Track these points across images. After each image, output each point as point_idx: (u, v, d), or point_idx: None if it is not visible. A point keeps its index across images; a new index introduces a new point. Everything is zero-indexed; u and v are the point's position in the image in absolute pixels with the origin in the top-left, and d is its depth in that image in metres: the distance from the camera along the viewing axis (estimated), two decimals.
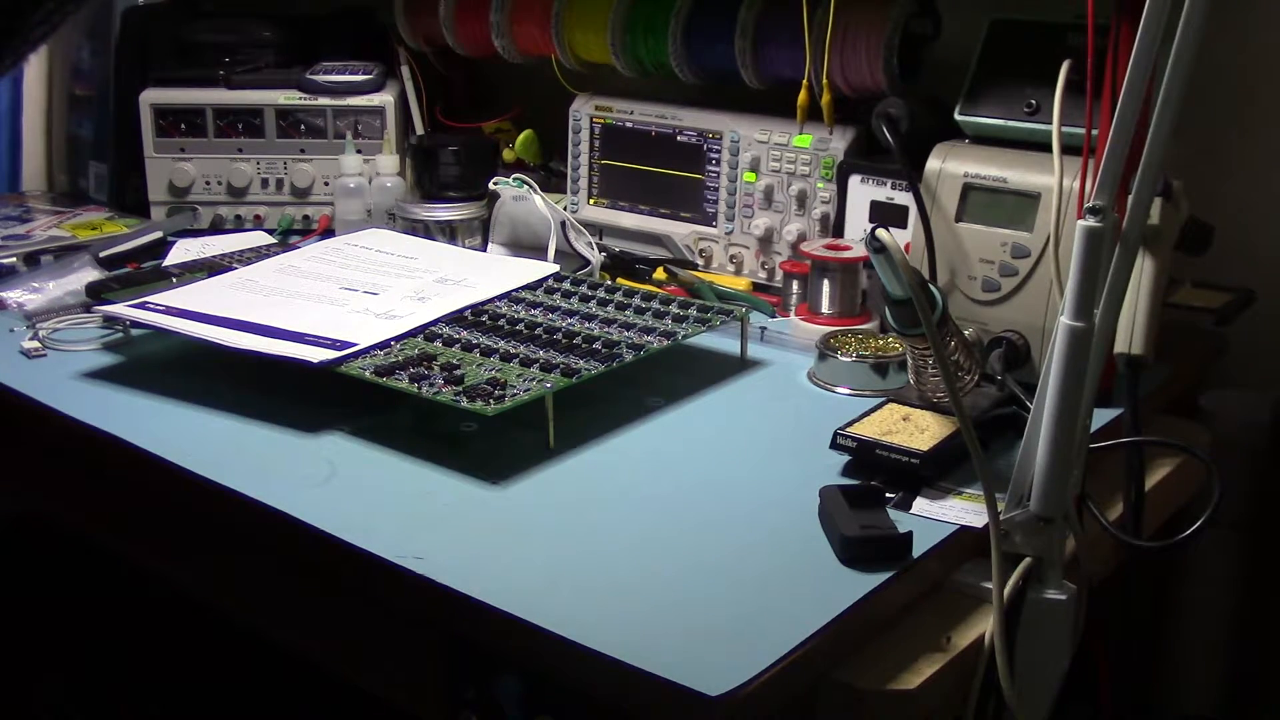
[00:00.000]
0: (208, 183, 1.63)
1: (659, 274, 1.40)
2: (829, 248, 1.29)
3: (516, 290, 1.28)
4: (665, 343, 1.16)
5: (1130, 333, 1.00)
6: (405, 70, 1.68)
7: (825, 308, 1.29)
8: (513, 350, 1.12)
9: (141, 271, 1.44)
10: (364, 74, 1.64)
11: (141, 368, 1.21)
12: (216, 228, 1.64)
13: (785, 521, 0.94)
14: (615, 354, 1.11)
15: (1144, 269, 1.01)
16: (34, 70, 1.81)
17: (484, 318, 1.21)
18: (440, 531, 0.92)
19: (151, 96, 1.62)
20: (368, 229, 1.47)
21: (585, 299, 1.26)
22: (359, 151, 1.60)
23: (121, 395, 1.15)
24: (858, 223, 1.31)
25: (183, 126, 1.62)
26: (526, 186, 1.45)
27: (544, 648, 0.80)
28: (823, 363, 1.19)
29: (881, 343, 1.19)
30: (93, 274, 1.39)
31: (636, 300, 1.25)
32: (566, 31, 1.50)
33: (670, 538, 0.92)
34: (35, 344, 1.25)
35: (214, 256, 1.42)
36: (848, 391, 1.16)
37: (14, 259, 1.47)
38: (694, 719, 0.75)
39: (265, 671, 1.66)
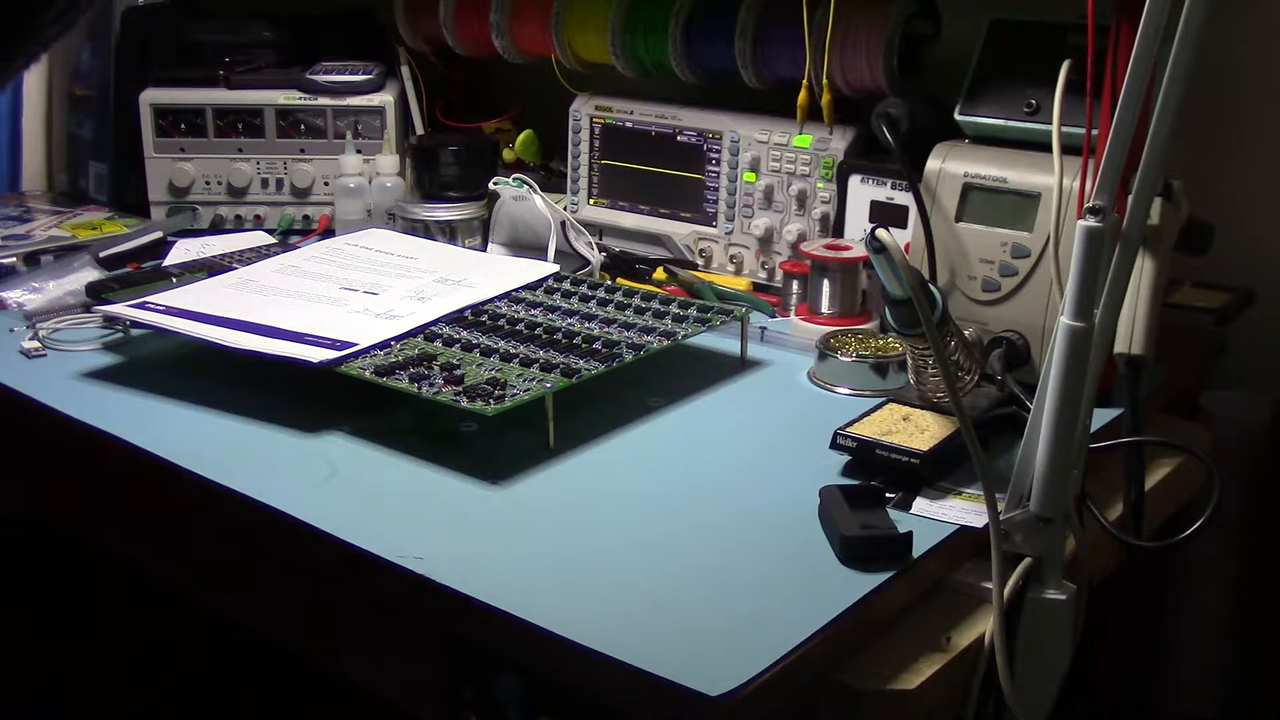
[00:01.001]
0: (208, 183, 1.63)
1: (659, 274, 1.40)
2: (829, 248, 1.29)
3: (516, 290, 1.28)
4: (665, 343, 1.16)
5: (1130, 333, 1.00)
6: (405, 70, 1.68)
7: (825, 308, 1.29)
8: (513, 350, 1.12)
9: (141, 271, 1.44)
10: (364, 74, 1.64)
11: (141, 368, 1.21)
12: (216, 228, 1.64)
13: (785, 521, 0.94)
14: (615, 354, 1.11)
15: (1144, 269, 1.01)
16: (34, 70, 1.81)
17: (484, 318, 1.21)
18: (440, 531, 0.92)
19: (151, 96, 1.62)
20: (368, 229, 1.47)
21: (585, 299, 1.26)
22: (359, 151, 1.60)
23: (121, 395, 1.15)
24: (858, 223, 1.31)
25: (183, 126, 1.62)
26: (526, 186, 1.45)
27: (544, 648, 0.80)
28: (823, 363, 1.19)
29: (881, 343, 1.19)
30: (93, 274, 1.39)
31: (636, 300, 1.25)
32: (566, 31, 1.50)
33: (670, 537, 0.92)
34: (35, 344, 1.25)
35: (214, 256, 1.42)
36: (848, 391, 1.16)
37: (14, 259, 1.47)
38: (694, 719, 0.75)
39: (265, 671, 1.67)
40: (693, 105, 1.44)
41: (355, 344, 1.12)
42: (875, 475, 0.99)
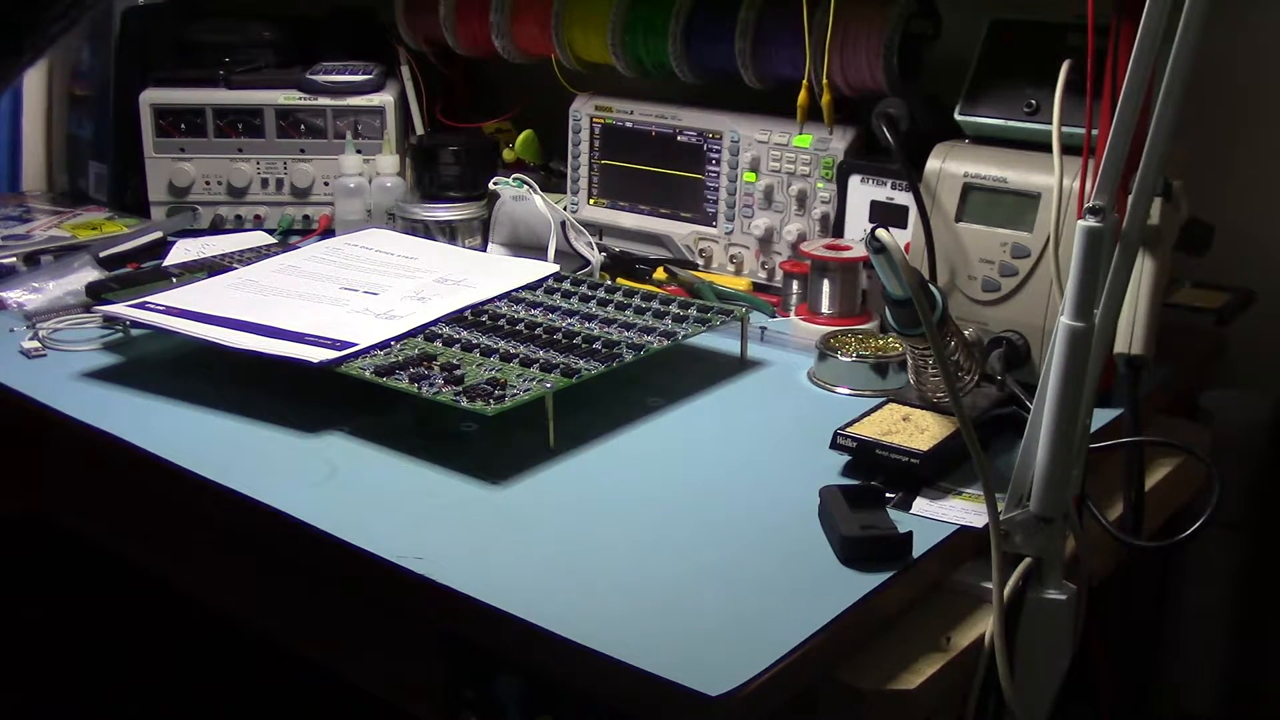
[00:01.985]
0: (208, 183, 1.63)
1: (659, 274, 1.40)
2: (829, 248, 1.29)
3: (516, 290, 1.28)
4: (665, 343, 1.16)
5: (1130, 333, 1.00)
6: (405, 70, 1.68)
7: (825, 308, 1.29)
8: (513, 350, 1.12)
9: (141, 271, 1.44)
10: (364, 74, 1.64)
11: (141, 368, 1.21)
12: (216, 228, 1.64)
13: (785, 521, 0.94)
14: (615, 354, 1.11)
15: (1144, 269, 1.01)
16: (34, 70, 1.81)
17: (484, 318, 1.21)
18: (440, 531, 0.92)
19: (151, 96, 1.62)
20: (368, 229, 1.47)
21: (585, 299, 1.26)
22: (359, 151, 1.60)
23: (121, 395, 1.15)
24: (858, 223, 1.31)
25: (183, 126, 1.62)
26: (526, 186, 1.45)
27: (544, 648, 0.80)
28: (823, 363, 1.19)
29: (881, 343, 1.19)
30: (93, 274, 1.39)
31: (636, 300, 1.25)
32: (566, 31, 1.50)
33: (670, 537, 0.92)
34: (35, 344, 1.25)
35: (214, 256, 1.42)
36: (848, 391, 1.16)
37: (14, 259, 1.47)
38: (694, 719, 0.75)
39: (265, 671, 1.67)
40: (693, 105, 1.44)
41: (355, 344, 1.12)
42: (875, 475, 0.99)
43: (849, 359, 1.17)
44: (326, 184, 1.62)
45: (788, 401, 1.16)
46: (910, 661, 0.85)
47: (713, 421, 1.11)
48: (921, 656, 0.86)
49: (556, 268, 1.34)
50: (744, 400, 1.16)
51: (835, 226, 1.34)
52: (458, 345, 1.15)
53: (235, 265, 1.37)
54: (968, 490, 0.98)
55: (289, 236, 1.61)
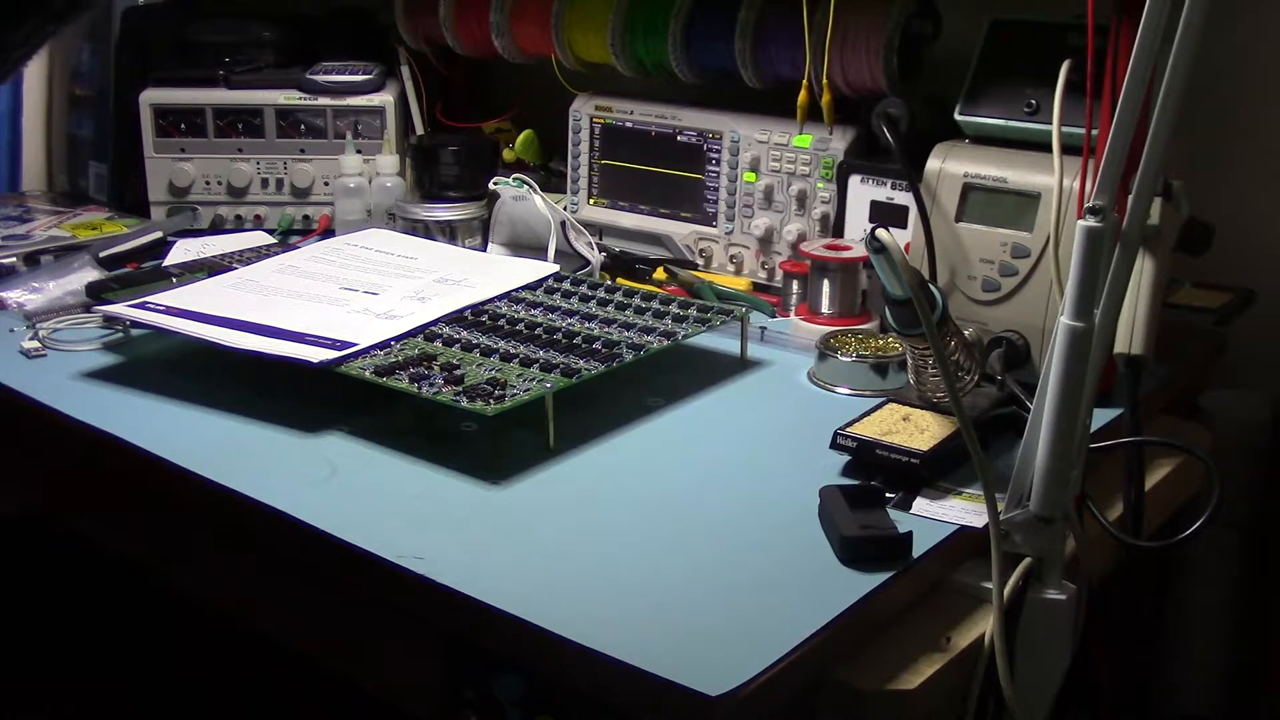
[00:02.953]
0: (208, 183, 1.63)
1: (659, 274, 1.40)
2: (829, 248, 1.29)
3: (516, 290, 1.28)
4: (665, 343, 1.16)
5: (1130, 333, 1.00)
6: (405, 70, 1.68)
7: (825, 308, 1.29)
8: (513, 350, 1.12)
9: (141, 271, 1.44)
10: (364, 74, 1.64)
11: (141, 368, 1.21)
12: (216, 228, 1.64)
13: (785, 521, 0.94)
14: (615, 354, 1.11)
15: (1144, 269, 1.01)
16: (34, 70, 1.81)
17: (484, 318, 1.21)
18: (440, 531, 0.92)
19: (151, 96, 1.62)
20: (368, 229, 1.47)
21: (585, 299, 1.26)
22: (359, 151, 1.60)
23: (121, 395, 1.15)
24: (858, 223, 1.31)
25: (183, 126, 1.62)
26: (526, 186, 1.45)
27: (544, 648, 0.80)
28: (823, 363, 1.19)
29: (881, 343, 1.19)
30: (93, 274, 1.39)
31: (636, 300, 1.25)
32: (566, 31, 1.50)
33: (670, 537, 0.92)
34: (35, 344, 1.25)
35: (214, 256, 1.42)
36: (848, 391, 1.16)
37: (14, 259, 1.47)
38: (694, 719, 0.75)
39: (265, 671, 1.67)
40: (693, 105, 1.44)
41: (355, 344, 1.12)
42: (875, 475, 0.99)
43: (849, 359, 1.17)
44: (326, 184, 1.63)
45: (788, 401, 1.16)
46: (910, 661, 0.85)
47: (713, 421, 1.11)
48: (921, 656, 0.86)
49: (556, 268, 1.34)
50: (744, 400, 1.16)
51: (835, 226, 1.34)
52: (458, 345, 1.15)
53: (235, 265, 1.37)
54: (968, 490, 0.98)
55: (289, 236, 1.61)
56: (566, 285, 1.30)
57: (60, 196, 1.79)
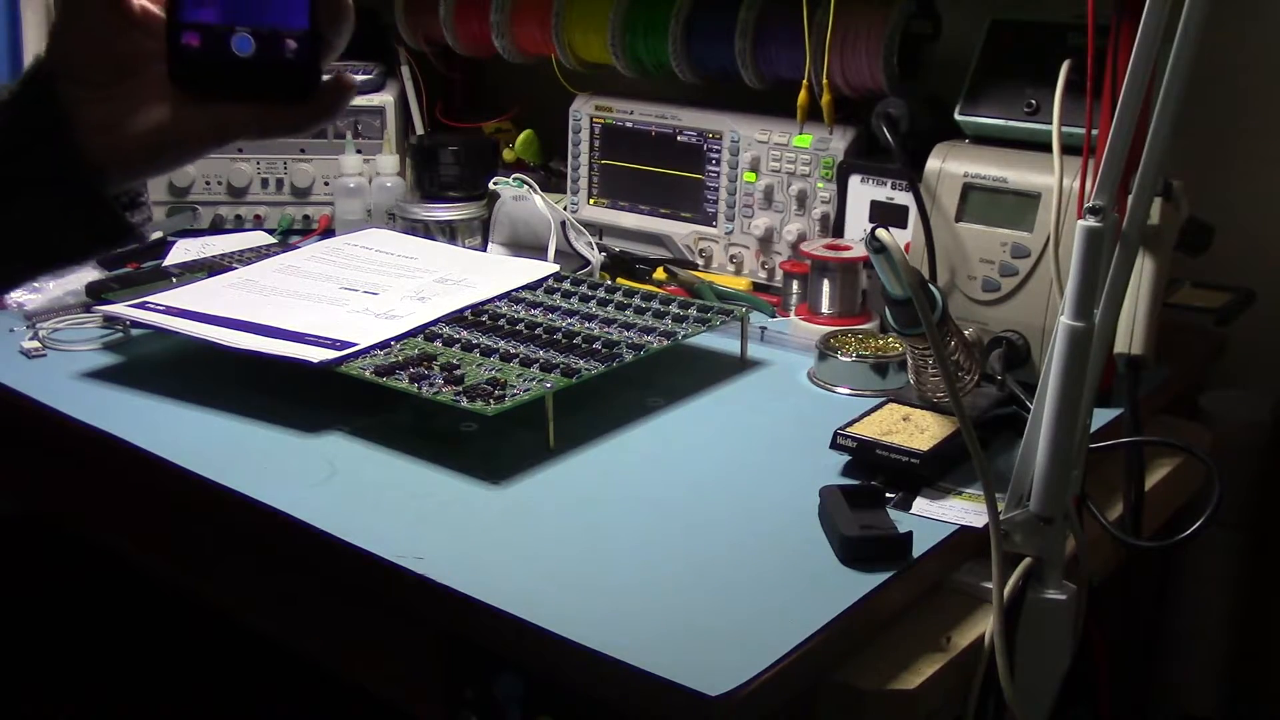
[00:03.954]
0: (208, 183, 1.63)
1: (659, 274, 1.40)
2: (829, 248, 1.29)
3: (516, 290, 1.28)
4: (665, 343, 1.16)
5: (1130, 333, 1.00)
6: (405, 70, 1.68)
7: (825, 308, 1.29)
8: (513, 350, 1.12)
9: (141, 271, 1.44)
10: (364, 74, 1.64)
11: (141, 368, 1.21)
12: (216, 228, 1.64)
13: (785, 521, 0.94)
14: (615, 354, 1.11)
15: (1144, 269, 1.01)
16: None
17: (484, 318, 1.21)
18: (440, 531, 0.92)
19: None
20: (368, 229, 1.47)
21: (585, 299, 1.26)
22: (359, 151, 1.60)
23: (121, 395, 1.15)
24: (858, 223, 1.31)
25: None
26: (526, 186, 1.45)
27: (544, 648, 0.80)
28: (823, 363, 1.19)
29: (881, 343, 1.19)
30: (93, 274, 1.39)
31: (636, 300, 1.25)
32: (566, 31, 1.50)
33: (670, 537, 0.92)
34: (35, 344, 1.24)
35: (214, 256, 1.42)
36: (848, 391, 1.16)
37: None
38: (694, 719, 0.75)
39: (265, 671, 1.67)
40: (693, 105, 1.44)
41: (355, 344, 1.12)
42: (875, 475, 0.99)
43: (849, 359, 1.17)
44: (326, 184, 1.62)
45: (788, 401, 1.16)
46: (910, 661, 0.85)
47: (713, 421, 1.11)
48: (921, 656, 0.86)
49: (556, 268, 1.34)
50: (744, 400, 1.16)
51: (835, 226, 1.34)
52: (458, 345, 1.15)
53: (235, 265, 1.37)
54: (968, 490, 0.98)
55: (289, 236, 1.61)
56: (566, 285, 1.30)
57: None
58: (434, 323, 1.19)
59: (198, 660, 1.76)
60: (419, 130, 1.68)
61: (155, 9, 0.65)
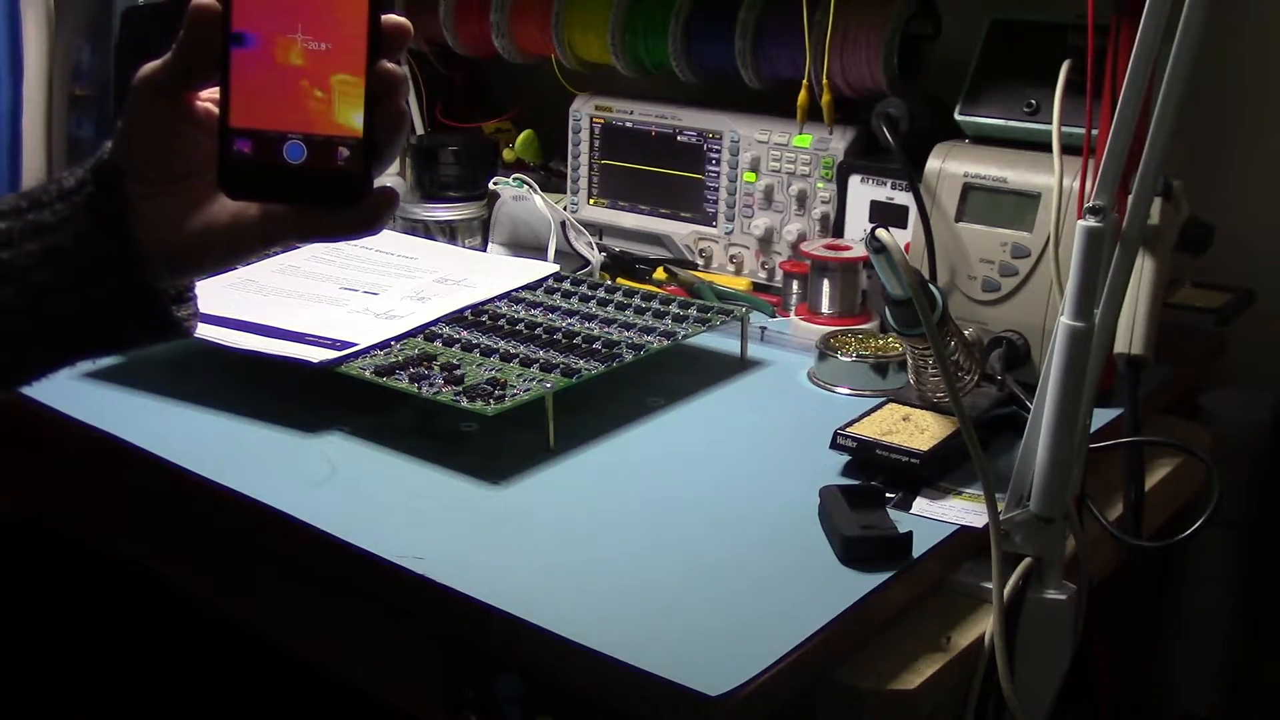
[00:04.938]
0: None
1: (659, 274, 1.40)
2: (829, 248, 1.29)
3: (516, 290, 1.28)
4: (665, 343, 1.16)
5: (1130, 333, 1.00)
6: (405, 70, 1.68)
7: (825, 308, 1.29)
8: (513, 350, 1.12)
9: None
10: None
11: (141, 368, 1.21)
12: None
13: (785, 521, 0.94)
14: (615, 354, 1.11)
15: (1144, 269, 1.01)
16: (34, 70, 1.81)
17: (484, 318, 1.21)
18: (440, 531, 0.92)
19: None
20: None
21: (585, 299, 1.26)
22: None
23: (121, 395, 1.15)
24: (858, 223, 1.31)
25: None
26: (526, 186, 1.45)
27: (544, 648, 0.80)
28: (823, 363, 1.19)
29: (881, 343, 1.19)
30: None
31: (636, 300, 1.25)
32: (566, 31, 1.50)
33: (670, 537, 0.92)
34: None
35: None
36: (848, 391, 1.16)
37: None
38: (694, 719, 0.75)
39: (265, 671, 1.66)
40: (693, 105, 1.44)
41: (355, 344, 1.12)
42: (875, 475, 0.99)
43: (849, 359, 1.17)
44: None
45: (788, 401, 1.16)
46: (910, 661, 0.85)
47: (713, 421, 1.11)
48: (921, 656, 0.86)
49: (556, 268, 1.34)
50: (744, 400, 1.16)
51: (835, 226, 1.34)
52: (458, 345, 1.15)
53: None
54: (968, 490, 0.98)
55: None
56: (566, 285, 1.30)
57: None
58: (434, 323, 1.19)
59: (198, 660, 1.76)
60: (419, 130, 1.67)
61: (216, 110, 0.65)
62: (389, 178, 1.59)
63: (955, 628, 0.89)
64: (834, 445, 1.01)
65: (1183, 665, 1.34)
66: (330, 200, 0.64)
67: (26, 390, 1.13)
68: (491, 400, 1.02)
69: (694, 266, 1.44)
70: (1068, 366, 0.83)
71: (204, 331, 1.15)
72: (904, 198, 1.27)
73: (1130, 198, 0.84)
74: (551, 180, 1.61)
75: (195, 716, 1.71)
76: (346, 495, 0.98)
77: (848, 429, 1.01)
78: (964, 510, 0.95)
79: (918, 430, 1.01)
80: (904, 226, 1.25)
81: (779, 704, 0.78)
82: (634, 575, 0.87)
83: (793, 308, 1.32)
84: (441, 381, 1.06)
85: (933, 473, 0.98)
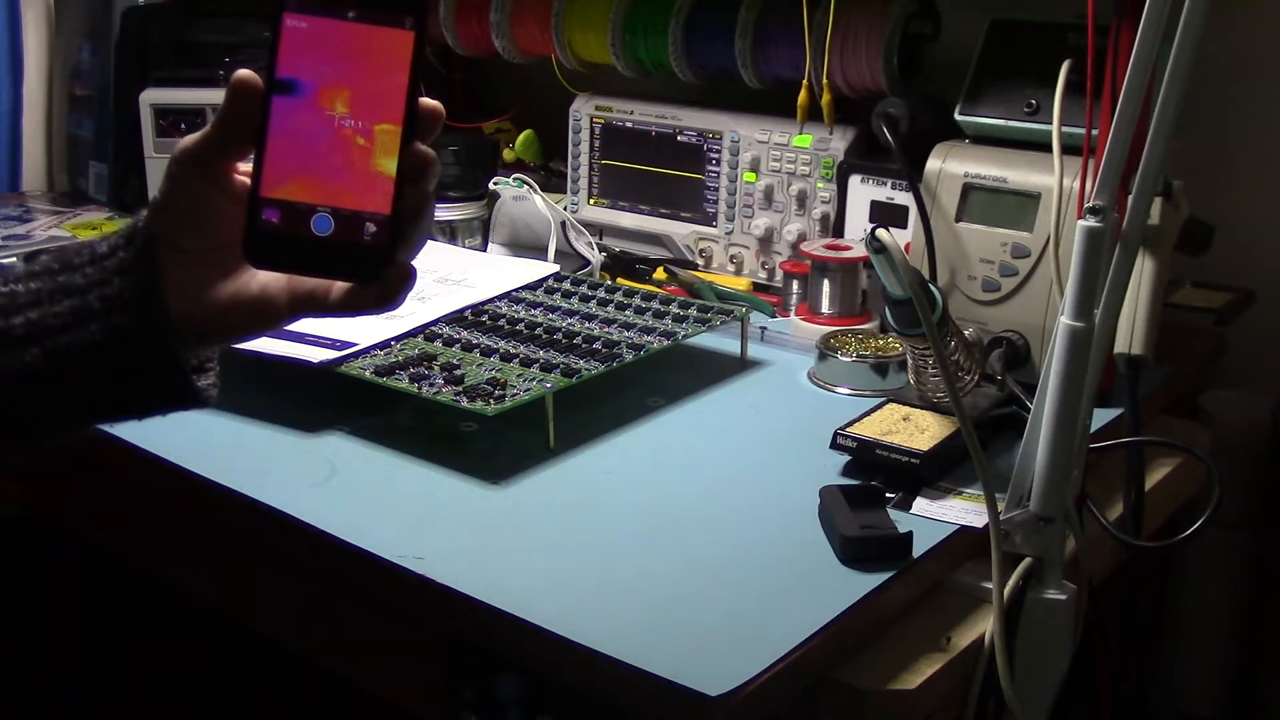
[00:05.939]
0: None
1: (659, 274, 1.40)
2: (829, 248, 1.29)
3: (516, 290, 1.28)
4: (665, 343, 1.16)
5: (1130, 333, 1.00)
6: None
7: (825, 308, 1.29)
8: (513, 350, 1.12)
9: None
10: None
11: None
12: None
13: (785, 521, 0.94)
14: (615, 354, 1.11)
15: (1144, 269, 1.01)
16: (34, 70, 1.81)
17: (484, 318, 1.21)
18: (440, 531, 0.92)
19: (151, 96, 1.61)
20: None
21: (585, 299, 1.26)
22: None
23: None
24: (858, 223, 1.31)
25: (183, 126, 1.62)
26: (526, 186, 1.45)
27: (544, 648, 0.80)
28: (823, 363, 1.19)
29: (881, 343, 1.19)
30: None
31: (636, 300, 1.25)
32: (566, 31, 1.50)
33: (670, 537, 0.92)
34: None
35: None
36: (848, 391, 1.16)
37: (14, 259, 1.47)
38: (694, 719, 0.75)
39: (265, 671, 1.66)
40: (693, 105, 1.44)
41: (355, 344, 1.12)
42: (875, 475, 0.99)
43: (849, 359, 1.17)
44: None
45: (788, 401, 1.16)
46: (910, 661, 0.85)
47: (713, 421, 1.11)
48: (921, 656, 0.86)
49: (556, 268, 1.34)
50: (744, 400, 1.16)
51: (835, 226, 1.34)
52: (458, 345, 1.15)
53: None
54: (968, 490, 0.98)
55: None
56: (566, 285, 1.30)
57: (60, 196, 1.79)
58: (434, 323, 1.19)
59: (198, 660, 1.76)
60: None
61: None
62: None
63: (955, 628, 0.89)
64: (834, 445, 1.01)
65: (1183, 665, 1.34)
66: (352, 274, 0.65)
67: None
68: (491, 400, 1.02)
69: (694, 266, 1.44)
70: (1068, 366, 0.83)
71: None
72: (904, 198, 1.27)
73: (1130, 198, 0.84)
74: (551, 180, 1.61)
75: (195, 716, 1.71)
76: (346, 495, 0.98)
77: (848, 429, 1.01)
78: (964, 510, 0.95)
79: (918, 430, 1.01)
80: (904, 226, 1.25)
81: (779, 704, 0.78)
82: (634, 575, 0.87)
83: (793, 308, 1.32)
84: (442, 381, 1.06)
85: (933, 473, 0.98)
